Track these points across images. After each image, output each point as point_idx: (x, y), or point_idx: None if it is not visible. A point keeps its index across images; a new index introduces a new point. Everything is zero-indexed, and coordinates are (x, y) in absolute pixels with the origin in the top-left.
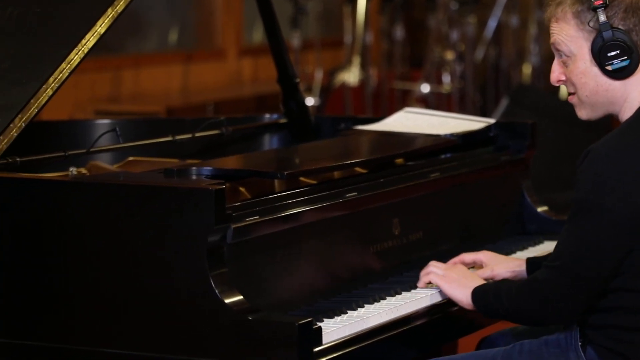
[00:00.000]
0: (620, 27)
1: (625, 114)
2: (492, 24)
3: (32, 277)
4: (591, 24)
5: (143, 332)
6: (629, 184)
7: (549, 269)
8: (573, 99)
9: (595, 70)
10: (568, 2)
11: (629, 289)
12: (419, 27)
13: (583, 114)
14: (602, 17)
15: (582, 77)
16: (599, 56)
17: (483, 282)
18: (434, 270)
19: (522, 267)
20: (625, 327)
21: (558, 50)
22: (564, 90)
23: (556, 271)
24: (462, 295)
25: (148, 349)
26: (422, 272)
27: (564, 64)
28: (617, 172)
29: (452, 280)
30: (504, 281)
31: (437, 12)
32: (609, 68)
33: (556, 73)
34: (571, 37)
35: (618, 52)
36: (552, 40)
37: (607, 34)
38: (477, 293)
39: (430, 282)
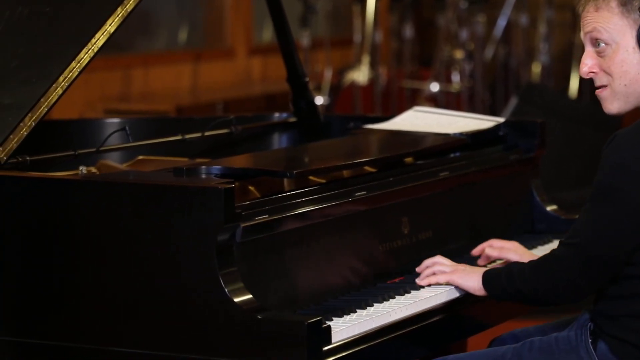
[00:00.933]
0: None
1: None
2: (501, 22)
3: (41, 275)
4: (638, 11)
5: (152, 330)
6: None
7: (566, 246)
8: (603, 92)
9: (638, 57)
10: None
11: None
12: (428, 26)
13: (614, 106)
14: None
15: (623, 66)
16: None
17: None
18: (441, 268)
19: None
20: (638, 316)
21: (596, 39)
22: (573, 89)
23: (573, 248)
24: (474, 281)
25: (156, 348)
26: (427, 271)
27: (599, 54)
28: None
29: (461, 271)
30: (514, 263)
31: (446, 11)
32: None
33: (589, 65)
34: (614, 25)
35: None
36: (588, 29)
37: None
38: (487, 276)
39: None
